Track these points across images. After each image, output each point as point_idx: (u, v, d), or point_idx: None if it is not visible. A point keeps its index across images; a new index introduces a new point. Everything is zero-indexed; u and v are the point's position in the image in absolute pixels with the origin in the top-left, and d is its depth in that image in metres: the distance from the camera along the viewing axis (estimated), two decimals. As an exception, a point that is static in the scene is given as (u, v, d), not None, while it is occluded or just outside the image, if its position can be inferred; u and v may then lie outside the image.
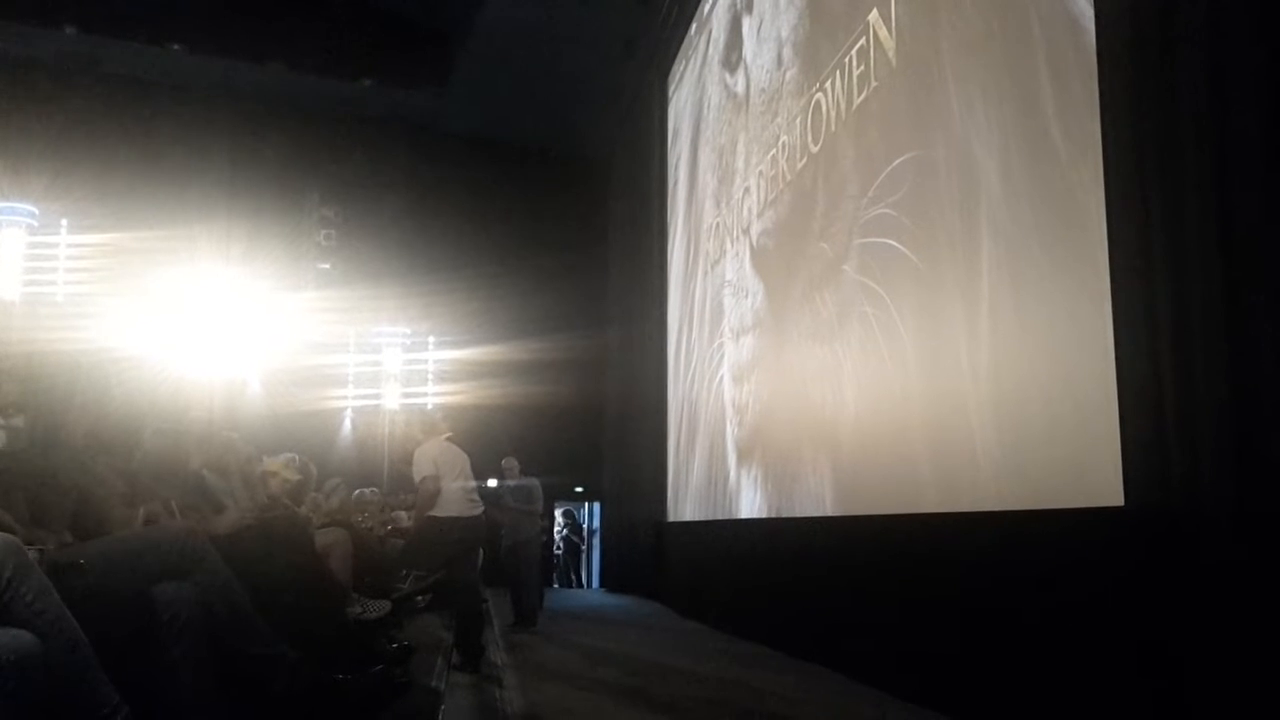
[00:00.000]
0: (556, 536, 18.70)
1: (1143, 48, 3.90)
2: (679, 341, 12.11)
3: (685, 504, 11.30)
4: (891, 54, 6.23)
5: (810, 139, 7.54)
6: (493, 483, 9.78)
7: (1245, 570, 3.27)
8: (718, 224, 10.32)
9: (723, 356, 9.82)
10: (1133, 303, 3.86)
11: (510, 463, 9.76)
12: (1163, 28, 3.81)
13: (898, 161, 5.99)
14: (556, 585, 17.84)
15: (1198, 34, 3.64)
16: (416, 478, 6.48)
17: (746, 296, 9.03)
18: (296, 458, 6.41)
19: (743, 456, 8.97)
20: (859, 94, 6.68)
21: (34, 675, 2.06)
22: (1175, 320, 3.64)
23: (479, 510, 6.62)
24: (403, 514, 9.66)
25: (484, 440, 7.21)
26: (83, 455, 3.35)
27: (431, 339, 16.06)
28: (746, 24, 9.54)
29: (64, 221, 13.27)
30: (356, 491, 10.96)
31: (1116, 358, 3.92)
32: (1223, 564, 3.36)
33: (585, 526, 19.09)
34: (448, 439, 6.75)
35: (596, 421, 16.28)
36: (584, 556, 19.02)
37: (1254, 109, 3.42)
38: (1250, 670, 3.23)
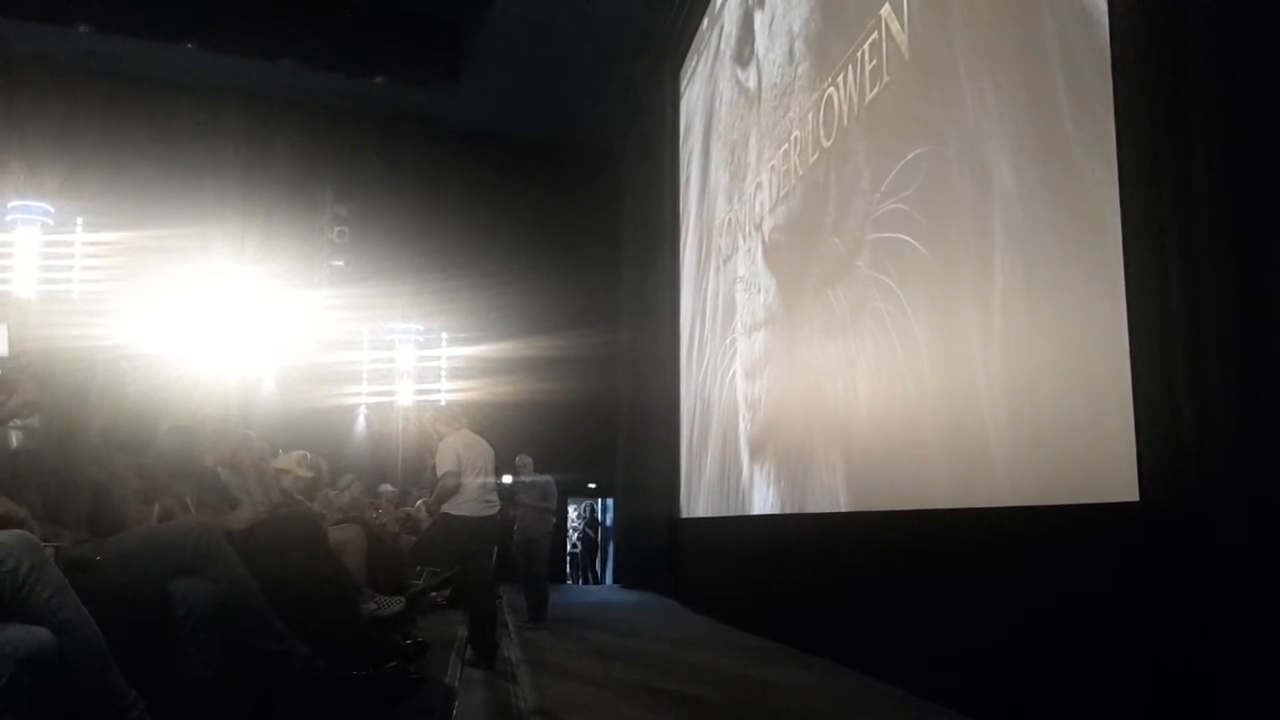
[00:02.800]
0: (571, 532, 18.73)
1: (1156, 42, 3.88)
2: (691, 337, 12.11)
3: (698, 500, 11.30)
4: (904, 48, 6.21)
5: (822, 134, 7.53)
6: (507, 479, 9.80)
7: (1260, 566, 3.26)
8: (730, 219, 10.31)
9: (735, 352, 9.82)
10: (1147, 297, 3.84)
11: (524, 460, 9.79)
12: (1176, 22, 3.79)
13: (910, 156, 5.97)
14: (569, 581, 17.88)
15: (1211, 28, 3.62)
16: (439, 471, 6.48)
17: (759, 292, 9.02)
18: (308, 455, 6.45)
19: (755, 452, 8.96)
20: (871, 89, 6.67)
21: (49, 671, 2.07)
22: (1190, 315, 3.62)
23: (494, 510, 6.62)
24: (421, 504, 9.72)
25: (497, 436, 7.20)
26: (99, 452, 3.37)
27: (444, 335, 16.12)
28: (759, 19, 9.53)
29: (79, 220, 13.38)
30: (383, 487, 11.04)
31: (1131, 352, 3.90)
32: (1237, 560, 3.34)
33: (602, 523, 19.11)
34: (470, 429, 6.76)
35: (609, 418, 16.29)
36: (599, 553, 19.05)
37: (1268, 103, 3.40)
38: (1266, 665, 3.22)
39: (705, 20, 11.96)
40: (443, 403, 14.77)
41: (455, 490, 6.40)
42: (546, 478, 9.79)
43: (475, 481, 6.48)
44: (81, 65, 14.93)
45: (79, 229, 13.33)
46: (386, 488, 11.47)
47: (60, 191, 13.21)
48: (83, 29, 14.42)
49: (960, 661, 5.03)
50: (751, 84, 9.68)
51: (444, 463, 6.45)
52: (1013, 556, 4.66)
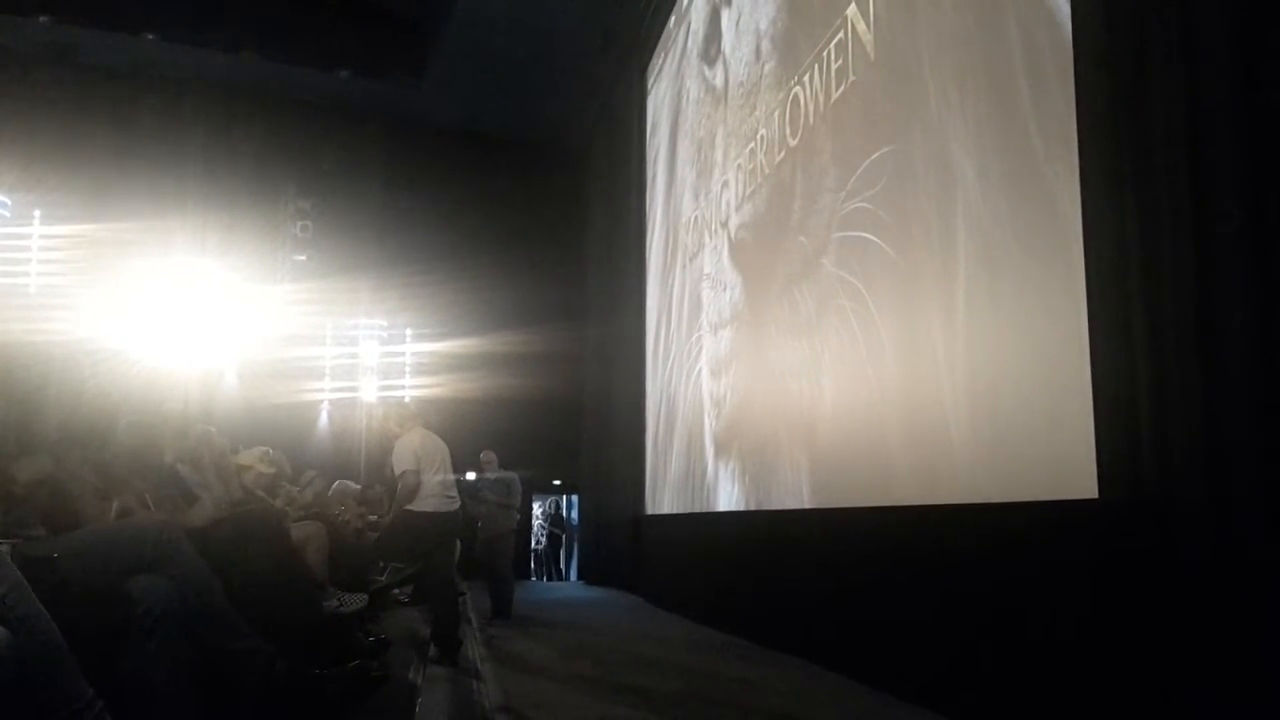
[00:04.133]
0: (536, 529, 18.71)
1: (1119, 45, 3.92)
2: (657, 334, 12.12)
3: (663, 497, 11.31)
4: (870, 48, 6.24)
5: (788, 132, 7.56)
6: (471, 475, 9.76)
7: (1216, 562, 3.30)
8: (696, 217, 10.33)
9: (701, 350, 9.83)
10: (1107, 297, 3.89)
11: (488, 456, 9.78)
12: (1139, 26, 3.83)
13: (875, 156, 6.01)
14: (534, 578, 17.85)
15: (1173, 32, 3.66)
16: (397, 470, 6.44)
17: (725, 290, 9.04)
18: (270, 451, 6.40)
19: (720, 450, 8.98)
20: (837, 88, 6.70)
21: (6, 670, 2.04)
22: (1149, 314, 3.66)
23: (455, 505, 6.60)
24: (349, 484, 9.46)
25: (461, 433, 7.18)
26: (56, 448, 3.32)
27: (408, 331, 16.02)
28: (725, 17, 9.55)
29: (37, 212, 13.18)
30: (339, 483, 10.85)
31: (1091, 351, 3.95)
32: (1194, 555, 3.39)
33: (567, 519, 19.10)
34: (426, 427, 6.72)
35: (574, 414, 16.29)
36: (564, 549, 19.04)
37: (1228, 107, 3.45)
38: (1218, 658, 3.27)
39: (672, 18, 11.97)
40: (406, 399, 14.69)
41: (417, 488, 6.37)
42: (510, 474, 9.75)
43: (435, 478, 6.45)
44: (40, 56, 14.69)
45: (36, 222, 13.14)
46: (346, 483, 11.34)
47: (17, 184, 13.00)
48: (42, 19, 14.18)
49: (922, 656, 5.08)
50: (718, 82, 9.70)
51: (402, 461, 6.41)
52: (974, 552, 4.70)
